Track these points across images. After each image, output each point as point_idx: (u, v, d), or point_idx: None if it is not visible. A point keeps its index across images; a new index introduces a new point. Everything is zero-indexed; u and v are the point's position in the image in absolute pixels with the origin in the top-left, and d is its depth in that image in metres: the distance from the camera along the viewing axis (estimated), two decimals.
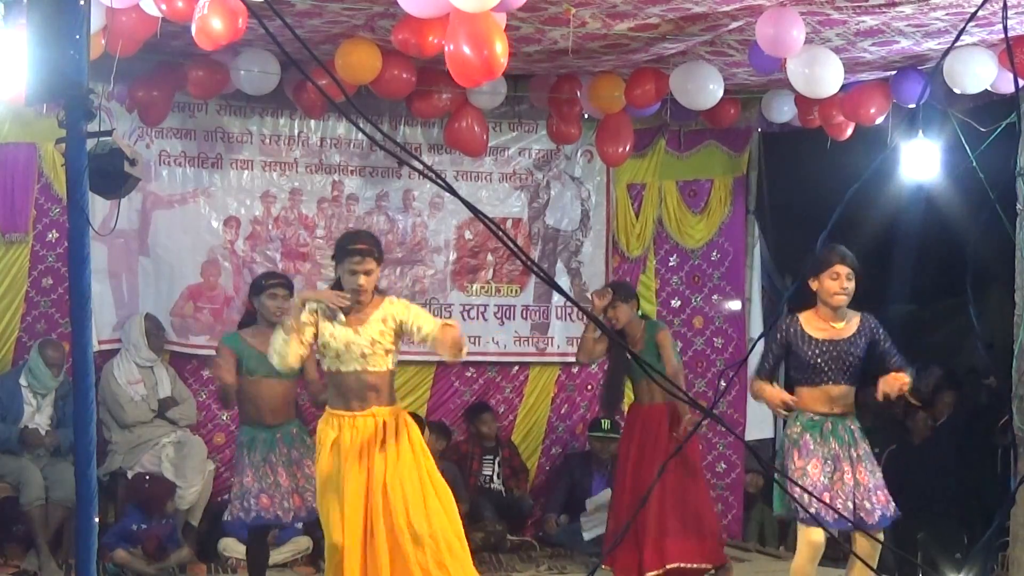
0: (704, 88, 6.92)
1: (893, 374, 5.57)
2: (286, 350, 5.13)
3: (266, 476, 6.04)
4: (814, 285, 5.65)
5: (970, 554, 7.60)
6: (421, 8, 5.04)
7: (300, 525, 6.89)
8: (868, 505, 5.57)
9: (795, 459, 5.60)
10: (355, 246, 5.25)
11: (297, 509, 6.08)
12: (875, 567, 5.48)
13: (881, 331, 5.69)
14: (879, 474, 5.70)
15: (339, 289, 5.26)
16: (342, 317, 5.18)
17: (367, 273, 5.19)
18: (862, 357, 5.65)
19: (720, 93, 6.96)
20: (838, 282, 5.58)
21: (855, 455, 5.63)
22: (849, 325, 5.65)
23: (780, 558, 8.10)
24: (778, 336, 5.71)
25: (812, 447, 5.57)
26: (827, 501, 5.47)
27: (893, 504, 5.67)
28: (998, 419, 8.27)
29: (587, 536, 7.92)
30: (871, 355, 5.70)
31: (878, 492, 5.61)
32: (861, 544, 5.60)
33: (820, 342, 5.61)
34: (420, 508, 5.07)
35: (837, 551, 8.15)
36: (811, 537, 5.53)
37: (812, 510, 5.47)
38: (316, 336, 5.19)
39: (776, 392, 5.68)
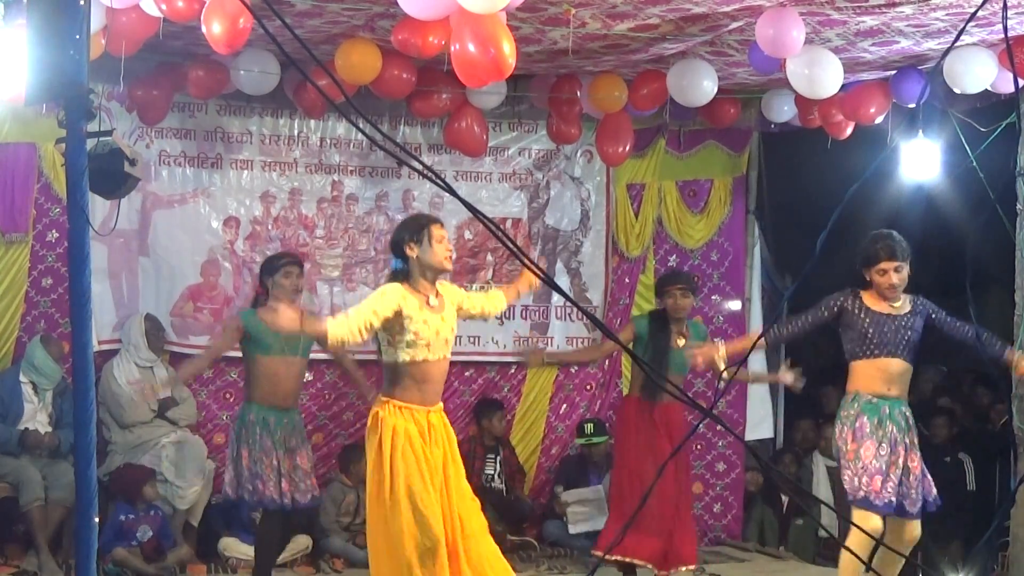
0: (699, 85, 6.91)
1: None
2: (354, 328, 4.85)
3: (260, 461, 6.20)
4: (867, 275, 5.71)
5: (970, 554, 7.61)
6: (421, 9, 5.04)
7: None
8: (913, 494, 5.58)
9: (848, 441, 5.59)
10: (430, 216, 5.27)
11: (284, 494, 6.22)
12: (906, 556, 5.49)
13: (932, 307, 5.74)
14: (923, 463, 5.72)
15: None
16: (434, 301, 5.09)
17: (450, 241, 5.22)
18: (919, 333, 5.70)
19: (715, 90, 6.95)
20: (886, 278, 5.66)
21: (909, 441, 5.64)
22: (904, 304, 5.72)
23: (780, 558, 8.11)
24: (829, 305, 5.72)
25: (868, 430, 5.56)
26: (878, 485, 5.48)
27: (935, 492, 5.70)
28: (998, 420, 8.29)
29: (572, 530, 7.95)
30: (931, 332, 5.75)
31: (925, 481, 5.64)
32: (901, 532, 5.60)
33: (877, 313, 5.65)
34: (473, 505, 5.17)
35: (837, 552, 8.17)
36: (867, 523, 5.42)
37: (861, 494, 5.48)
38: (386, 326, 4.97)
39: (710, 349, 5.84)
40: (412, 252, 5.08)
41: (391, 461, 4.94)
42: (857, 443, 5.56)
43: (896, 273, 5.64)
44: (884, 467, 5.52)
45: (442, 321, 5.10)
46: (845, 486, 5.59)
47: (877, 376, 5.63)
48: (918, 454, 5.66)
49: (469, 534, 5.07)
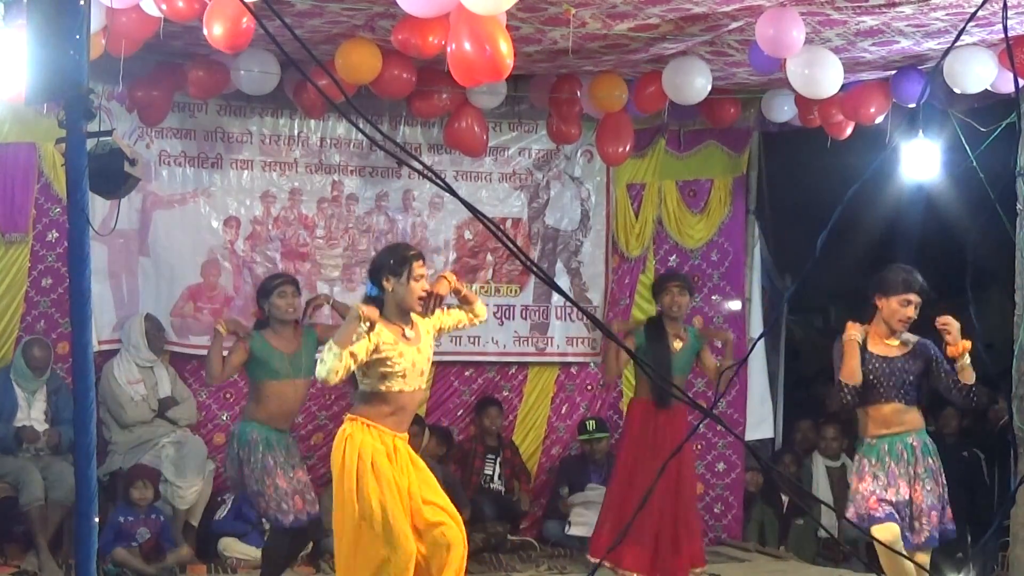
0: (691, 83, 6.89)
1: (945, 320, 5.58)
2: (338, 365, 4.77)
3: (263, 481, 6.12)
4: (880, 302, 5.68)
5: (970, 554, 7.61)
6: (421, 7, 5.04)
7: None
8: (917, 525, 5.60)
9: (855, 483, 5.71)
10: (413, 251, 5.15)
11: (299, 511, 6.16)
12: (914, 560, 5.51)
13: (938, 356, 5.69)
14: (940, 491, 5.68)
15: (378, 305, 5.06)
16: (410, 333, 5.08)
17: (427, 279, 5.13)
18: (917, 376, 5.68)
19: (708, 87, 6.92)
20: (907, 310, 5.64)
21: (913, 472, 5.63)
22: (903, 345, 5.70)
23: (780, 558, 8.11)
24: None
25: (867, 469, 5.66)
26: (873, 502, 5.54)
27: (952, 524, 5.69)
28: (997, 419, 8.29)
29: (570, 531, 7.96)
30: (928, 377, 5.73)
31: (932, 513, 5.61)
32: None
33: (876, 357, 5.65)
34: (447, 517, 5.14)
35: (837, 552, 8.17)
36: (882, 536, 5.47)
37: (866, 514, 5.53)
38: (368, 353, 4.94)
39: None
40: (388, 284, 5.08)
41: (359, 478, 4.97)
42: (858, 481, 5.68)
43: (916, 309, 5.64)
44: (878, 491, 5.57)
45: (418, 353, 5.11)
46: (854, 520, 5.64)
47: (875, 420, 5.70)
48: (927, 485, 5.63)
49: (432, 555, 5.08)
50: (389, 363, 4.99)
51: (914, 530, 5.58)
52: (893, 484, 5.58)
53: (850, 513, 5.64)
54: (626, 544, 6.55)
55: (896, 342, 5.69)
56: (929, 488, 5.62)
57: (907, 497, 5.58)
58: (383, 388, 5.02)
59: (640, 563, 6.68)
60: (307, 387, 6.36)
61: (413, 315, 5.16)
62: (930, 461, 5.69)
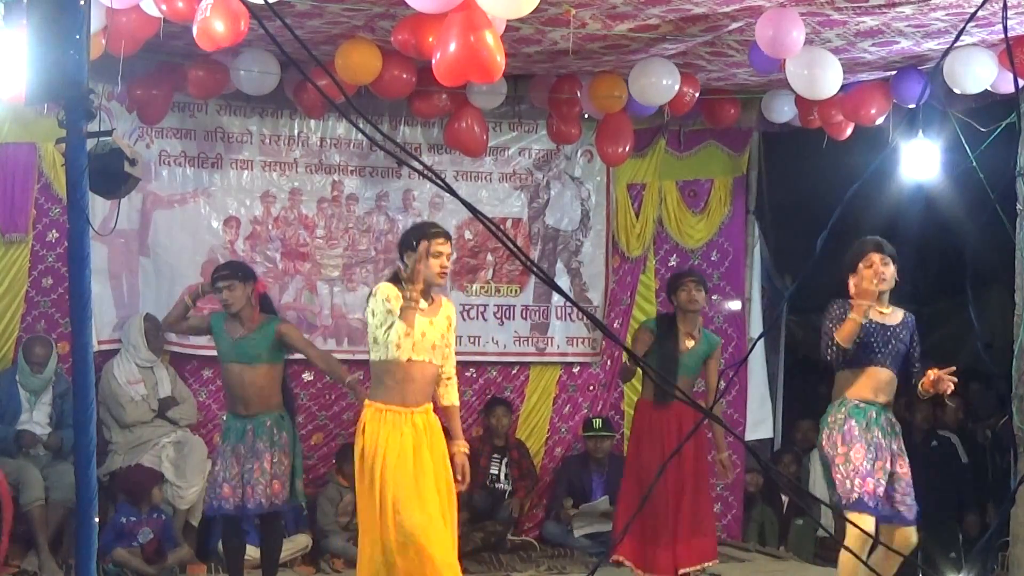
0: (658, 84, 6.87)
1: (939, 373, 5.59)
2: (403, 340, 4.99)
3: (231, 467, 6.13)
4: (853, 280, 5.62)
5: (970, 554, 7.61)
6: (429, 4, 5.05)
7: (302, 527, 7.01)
8: (909, 500, 5.59)
9: (838, 445, 5.59)
10: (437, 228, 5.23)
11: (221, 499, 6.13)
12: (905, 555, 5.50)
13: (915, 332, 5.72)
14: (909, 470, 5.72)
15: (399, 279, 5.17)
16: (424, 305, 5.11)
17: (448, 256, 5.17)
18: (907, 345, 5.68)
19: (676, 88, 6.92)
20: (873, 268, 5.57)
21: (895, 448, 5.64)
22: (895, 315, 5.69)
23: (780, 558, 8.11)
24: (839, 314, 5.62)
25: (856, 433, 5.56)
26: (871, 487, 5.49)
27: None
28: (997, 419, 8.30)
29: (577, 533, 7.96)
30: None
31: (914, 488, 5.64)
32: (897, 539, 5.59)
33: (872, 321, 5.60)
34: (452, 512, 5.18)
35: (837, 552, 8.16)
36: (861, 524, 5.39)
37: (854, 496, 5.48)
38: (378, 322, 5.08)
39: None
40: (408, 260, 5.14)
41: (372, 470, 5.01)
42: (847, 446, 5.57)
43: (884, 265, 5.58)
44: (872, 469, 5.54)
45: (430, 325, 5.13)
46: (838, 490, 5.59)
47: (866, 384, 5.63)
48: (906, 460, 5.66)
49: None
50: (398, 330, 5.01)
51: (906, 505, 5.59)
52: (881, 458, 5.58)
53: (839, 481, 5.57)
54: (654, 547, 6.62)
55: (887, 310, 5.68)
56: (906, 465, 5.65)
57: (891, 472, 5.59)
58: (391, 356, 5.03)
59: (666, 564, 6.69)
60: (255, 375, 6.14)
61: (438, 296, 5.27)
62: (901, 441, 5.71)
